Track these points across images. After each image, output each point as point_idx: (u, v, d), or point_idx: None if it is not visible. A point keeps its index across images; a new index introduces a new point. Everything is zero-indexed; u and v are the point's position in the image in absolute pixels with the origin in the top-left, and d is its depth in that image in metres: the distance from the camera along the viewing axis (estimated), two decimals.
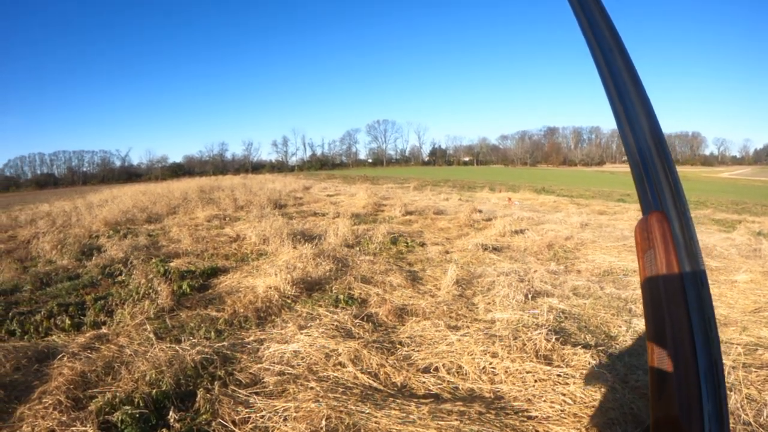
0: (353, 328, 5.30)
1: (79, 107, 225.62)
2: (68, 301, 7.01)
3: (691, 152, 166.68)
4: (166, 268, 8.39)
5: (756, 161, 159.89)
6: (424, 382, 4.10)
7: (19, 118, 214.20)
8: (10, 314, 6.42)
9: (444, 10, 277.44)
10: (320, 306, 6.18)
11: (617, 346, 5.00)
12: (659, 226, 0.61)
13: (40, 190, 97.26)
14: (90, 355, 4.82)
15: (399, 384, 4.10)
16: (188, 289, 7.17)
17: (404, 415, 3.49)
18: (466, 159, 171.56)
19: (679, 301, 0.56)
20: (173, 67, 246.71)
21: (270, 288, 6.60)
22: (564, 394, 3.81)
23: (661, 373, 0.57)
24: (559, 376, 4.09)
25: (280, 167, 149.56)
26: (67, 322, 5.97)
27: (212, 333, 5.44)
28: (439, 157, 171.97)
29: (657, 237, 0.61)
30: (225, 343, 5.07)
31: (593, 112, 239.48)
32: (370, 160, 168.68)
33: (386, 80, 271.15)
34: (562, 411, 3.60)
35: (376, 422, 3.42)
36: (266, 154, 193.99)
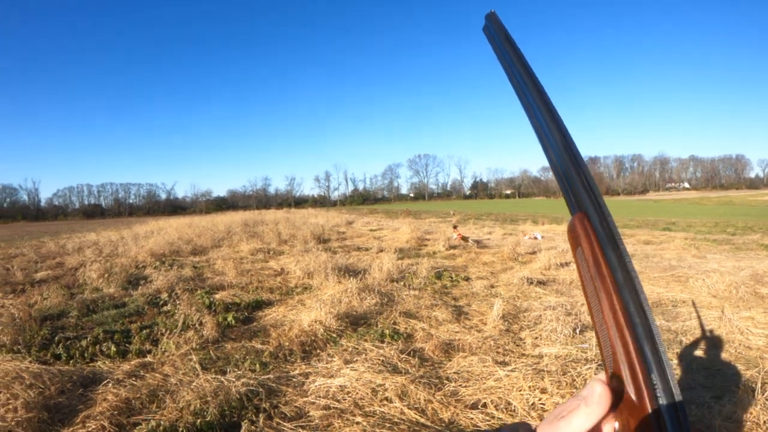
0: (399, 363, 5.27)
1: (127, 141, 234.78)
2: (114, 328, 7.20)
3: (736, 175, 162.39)
4: (211, 299, 8.55)
5: None
6: (472, 419, 4.05)
7: (69, 150, 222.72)
8: (57, 338, 6.63)
9: (478, 42, 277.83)
10: (366, 340, 6.16)
11: None
12: (581, 224, 0.68)
13: (87, 220, 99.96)
14: (135, 383, 4.90)
15: (446, 420, 4.06)
16: (233, 321, 7.28)
17: None
18: (508, 192, 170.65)
19: (608, 282, 0.62)
20: (218, 103, 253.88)
21: (315, 322, 6.64)
22: None
23: (604, 339, 0.62)
24: None
25: (322, 202, 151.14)
26: (113, 349, 6.12)
27: (257, 365, 5.47)
28: (480, 190, 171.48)
29: (581, 234, 0.67)
30: (270, 376, 5.08)
31: (634, 140, 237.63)
32: (411, 195, 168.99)
33: (427, 114, 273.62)
34: None
35: None
36: (309, 188, 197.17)
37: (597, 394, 0.60)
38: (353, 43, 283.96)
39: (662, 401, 0.55)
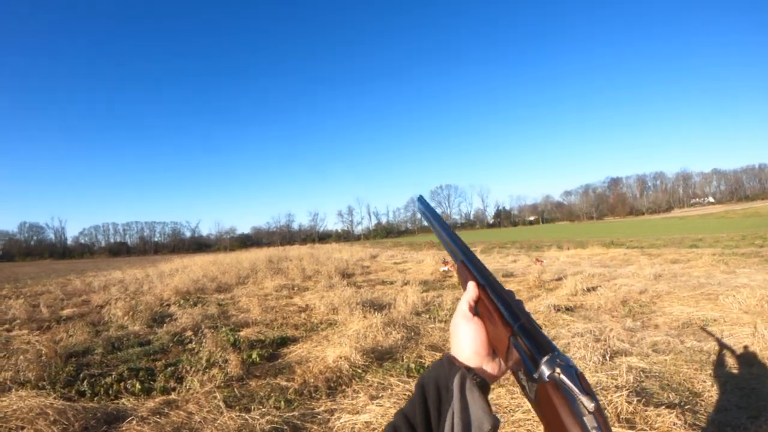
0: None
1: (153, 181, 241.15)
2: (139, 365, 7.21)
3: (761, 186, 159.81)
4: (236, 337, 8.55)
5: None
6: None
7: (95, 189, 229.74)
8: (81, 375, 6.68)
9: (493, 68, 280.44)
10: (391, 375, 6.10)
11: (703, 403, 4.76)
12: (462, 266, 1.06)
13: (113, 258, 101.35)
14: (159, 420, 4.91)
15: None
16: (257, 359, 7.26)
17: None
18: (531, 218, 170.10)
19: (489, 301, 0.95)
20: (243, 141, 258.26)
21: (340, 358, 6.58)
22: None
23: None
24: None
25: (346, 236, 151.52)
26: (137, 386, 6.13)
27: (282, 402, 5.43)
28: (503, 218, 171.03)
29: (465, 273, 1.05)
30: (295, 413, 5.06)
31: (656, 157, 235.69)
32: None
33: (447, 145, 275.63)
34: None
35: None
36: (332, 224, 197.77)
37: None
38: (374, 76, 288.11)
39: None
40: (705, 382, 5.37)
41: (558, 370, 0.70)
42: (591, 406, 0.64)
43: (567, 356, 0.73)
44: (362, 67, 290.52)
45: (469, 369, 0.88)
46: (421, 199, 1.35)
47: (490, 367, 0.92)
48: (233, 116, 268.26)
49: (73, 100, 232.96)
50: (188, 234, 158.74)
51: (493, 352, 0.92)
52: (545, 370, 0.72)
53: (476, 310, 0.97)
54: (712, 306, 9.01)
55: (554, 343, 0.80)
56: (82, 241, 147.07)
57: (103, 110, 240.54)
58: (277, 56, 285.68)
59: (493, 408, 4.80)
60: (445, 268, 17.33)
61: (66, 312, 12.90)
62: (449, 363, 0.90)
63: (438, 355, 6.77)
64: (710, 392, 5.05)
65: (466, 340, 0.93)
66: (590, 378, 5.43)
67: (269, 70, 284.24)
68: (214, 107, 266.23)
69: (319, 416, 5.01)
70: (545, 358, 0.73)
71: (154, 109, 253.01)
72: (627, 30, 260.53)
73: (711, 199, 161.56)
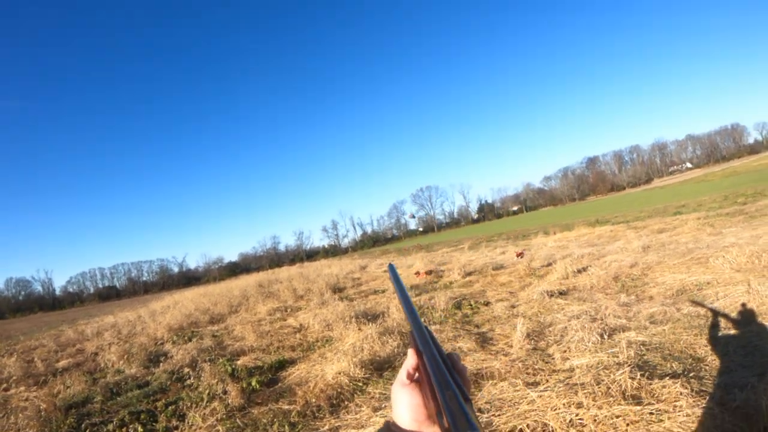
0: None
1: (134, 221, 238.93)
2: (139, 408, 7.07)
3: (735, 144, 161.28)
4: (234, 366, 8.41)
5: None
6: None
7: (77, 237, 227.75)
8: (83, 426, 6.59)
9: (460, 63, 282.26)
10: (392, 385, 6.02)
11: (707, 368, 4.71)
12: (411, 334, 1.04)
13: (104, 303, 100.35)
14: None
15: None
16: (257, 385, 7.15)
17: None
18: (515, 208, 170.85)
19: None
20: (219, 172, 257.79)
21: (339, 374, 6.51)
22: None
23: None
24: (651, 414, 3.85)
25: (333, 251, 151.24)
26: (140, 429, 6.06)
27: (286, 427, 5.35)
28: (487, 212, 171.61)
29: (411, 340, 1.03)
30: None
31: (629, 132, 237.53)
32: (420, 229, 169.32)
33: (422, 147, 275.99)
34: None
35: None
36: (318, 240, 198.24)
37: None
38: (338, 87, 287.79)
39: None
40: (706, 346, 5.34)
41: None
42: None
43: None
44: (325, 78, 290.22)
45: None
46: (391, 267, 1.42)
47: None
48: (206, 148, 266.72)
49: (42, 149, 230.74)
50: (176, 269, 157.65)
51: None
52: None
53: (416, 377, 0.99)
54: (704, 270, 9.02)
55: (475, 419, 0.76)
56: (71, 290, 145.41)
57: (75, 158, 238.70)
58: (235, 82, 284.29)
59: (497, 404, 4.74)
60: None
61: (61, 364, 12.67)
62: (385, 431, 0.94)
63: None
64: (713, 356, 5.01)
65: (402, 407, 0.95)
66: (591, 360, 5.37)
67: (232, 95, 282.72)
68: (186, 142, 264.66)
69: None
70: None
71: (126, 152, 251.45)
72: (584, 7, 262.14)
73: (689, 165, 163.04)
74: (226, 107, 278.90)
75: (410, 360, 0.99)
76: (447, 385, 0.83)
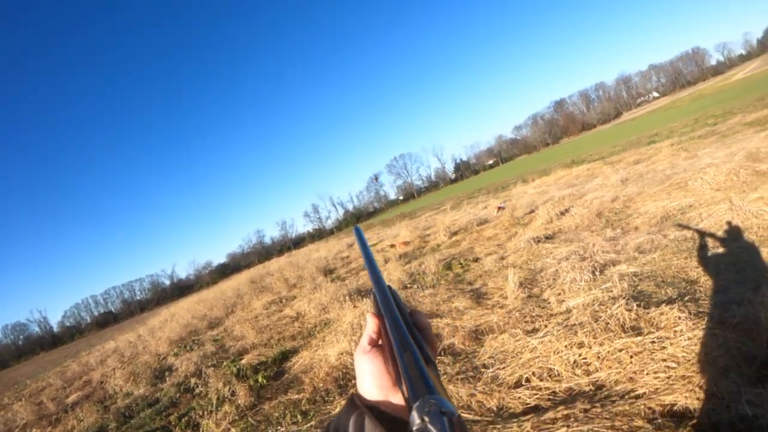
0: None
1: (117, 243, 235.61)
2: (154, 426, 7.13)
3: (698, 68, 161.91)
4: (238, 366, 8.38)
5: (762, 50, 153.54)
6: (520, 398, 3.89)
7: (62, 269, 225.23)
8: None
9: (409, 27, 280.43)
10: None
11: (702, 289, 4.72)
12: (373, 296, 0.97)
13: (103, 330, 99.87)
14: None
15: (495, 408, 3.90)
16: (264, 381, 7.19)
17: None
18: (491, 162, 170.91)
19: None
20: (194, 181, 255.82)
21: (342, 354, 6.53)
22: (665, 360, 3.57)
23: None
24: (653, 342, 3.84)
25: (319, 234, 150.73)
26: None
27: (298, 416, 5.36)
28: (464, 170, 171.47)
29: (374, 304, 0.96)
30: (312, 423, 5.01)
31: (592, 69, 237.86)
32: (401, 198, 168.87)
33: (389, 116, 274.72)
34: (668, 378, 3.36)
35: None
36: (302, 226, 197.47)
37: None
38: (295, 74, 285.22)
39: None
40: (698, 268, 5.35)
41: (426, 419, 0.59)
42: None
43: (444, 399, 0.62)
44: (284, 63, 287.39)
45: (373, 407, 0.82)
46: (357, 229, 1.31)
47: (398, 399, 0.84)
48: (175, 159, 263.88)
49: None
50: (167, 282, 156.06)
51: None
52: (414, 419, 0.60)
53: (380, 342, 0.92)
54: (684, 193, 9.05)
55: (433, 381, 0.67)
56: (68, 324, 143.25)
57: (47, 194, 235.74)
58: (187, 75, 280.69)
59: (500, 357, 4.72)
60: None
61: (71, 399, 12.58)
62: (348, 404, 0.85)
63: (436, 321, 6.66)
64: (706, 277, 5.03)
65: (365, 375, 0.88)
66: (586, 299, 5.36)
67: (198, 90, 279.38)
68: (155, 157, 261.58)
69: None
70: (416, 404, 0.62)
71: (94, 177, 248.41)
72: None
73: (655, 94, 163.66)
74: (187, 116, 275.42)
75: (370, 324, 0.93)
76: (406, 346, 0.76)
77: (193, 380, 8.71)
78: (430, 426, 0.58)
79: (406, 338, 0.79)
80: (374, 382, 0.85)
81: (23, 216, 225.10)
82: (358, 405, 0.82)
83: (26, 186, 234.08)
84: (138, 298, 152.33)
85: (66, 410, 11.22)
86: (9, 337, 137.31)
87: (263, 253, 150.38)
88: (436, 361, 0.88)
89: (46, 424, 10.32)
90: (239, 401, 6.52)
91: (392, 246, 17.58)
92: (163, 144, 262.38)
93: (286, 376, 7.23)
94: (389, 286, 0.96)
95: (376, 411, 0.80)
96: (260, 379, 7.21)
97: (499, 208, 16.98)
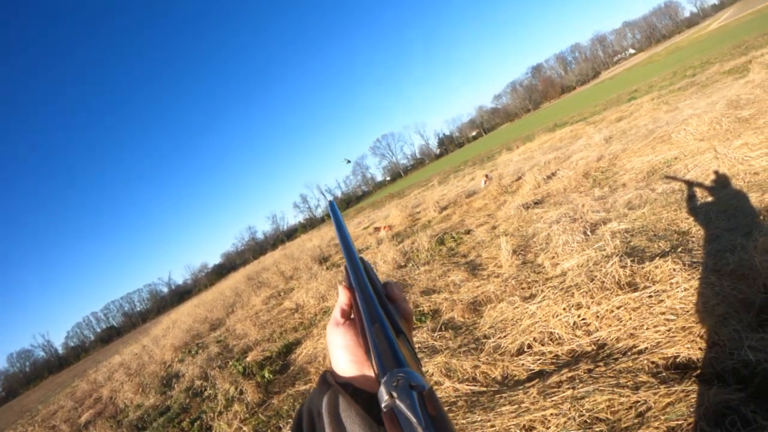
0: (435, 343, 5.08)
1: (111, 256, 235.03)
2: None
3: (672, 22, 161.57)
4: (244, 365, 8.38)
5: None
6: (523, 364, 3.89)
7: (60, 291, 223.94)
8: None
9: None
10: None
11: (694, 239, 4.72)
12: (345, 270, 0.95)
13: (108, 345, 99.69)
14: None
15: (499, 378, 3.90)
16: (270, 376, 7.20)
17: (515, 407, 3.29)
18: (474, 133, 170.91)
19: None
20: (180, 185, 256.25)
21: None
22: (663, 313, 3.57)
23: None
24: (650, 297, 3.84)
25: (310, 224, 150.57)
26: None
27: None
28: (448, 144, 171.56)
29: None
30: None
31: (566, 31, 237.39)
32: (388, 178, 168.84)
33: (368, 98, 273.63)
34: (668, 331, 3.36)
35: (491, 426, 3.22)
36: (293, 218, 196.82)
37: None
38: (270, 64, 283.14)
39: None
40: (688, 219, 5.35)
41: (394, 394, 0.56)
42: None
43: (413, 372, 0.59)
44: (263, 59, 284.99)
45: (347, 385, 0.78)
46: (331, 204, 1.25)
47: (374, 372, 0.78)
48: (159, 165, 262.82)
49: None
50: (165, 289, 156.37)
51: None
52: (383, 395, 0.57)
53: (351, 315, 0.90)
54: (669, 146, 9.05)
55: (403, 354, 0.65)
56: (72, 344, 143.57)
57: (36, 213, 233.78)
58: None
59: (500, 326, 4.72)
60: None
61: (84, 418, 12.59)
62: (321, 383, 0.81)
63: (434, 297, 6.66)
64: (697, 227, 5.03)
65: (338, 350, 0.85)
66: (580, 259, 5.37)
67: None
68: (137, 158, 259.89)
69: None
70: (383, 379, 0.59)
71: (78, 189, 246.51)
72: None
73: (632, 51, 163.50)
74: (168, 123, 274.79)
75: (342, 297, 0.90)
76: (374, 318, 0.74)
77: (200, 384, 8.79)
78: (398, 402, 0.55)
79: (376, 309, 0.76)
80: (347, 356, 0.82)
81: (16, 240, 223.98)
82: (330, 383, 0.78)
83: (10, 208, 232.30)
84: (138, 309, 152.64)
85: (80, 430, 11.33)
86: (16, 366, 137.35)
87: (257, 248, 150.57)
88: (411, 334, 0.85)
89: None
90: (248, 399, 6.54)
91: (376, 230, 17.44)
92: (144, 152, 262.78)
93: (291, 368, 7.27)
94: (362, 258, 0.93)
95: (351, 388, 0.77)
96: (266, 375, 7.23)
97: (486, 179, 16.96)
